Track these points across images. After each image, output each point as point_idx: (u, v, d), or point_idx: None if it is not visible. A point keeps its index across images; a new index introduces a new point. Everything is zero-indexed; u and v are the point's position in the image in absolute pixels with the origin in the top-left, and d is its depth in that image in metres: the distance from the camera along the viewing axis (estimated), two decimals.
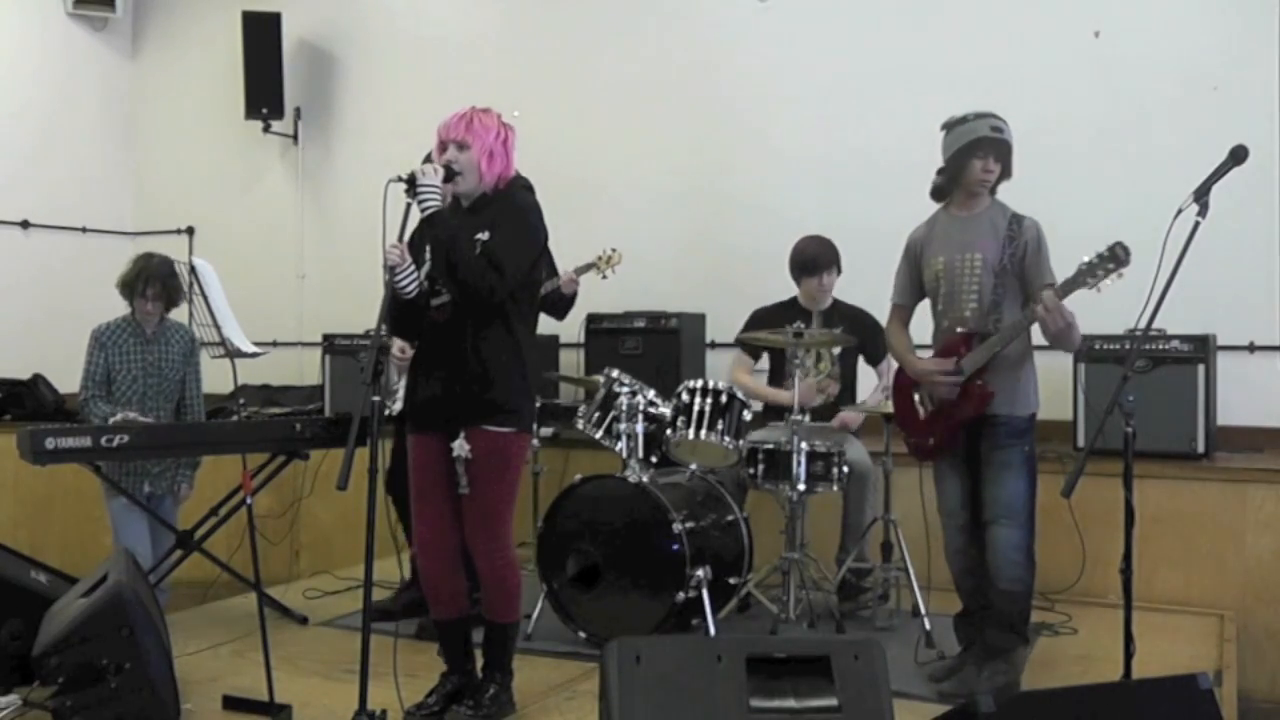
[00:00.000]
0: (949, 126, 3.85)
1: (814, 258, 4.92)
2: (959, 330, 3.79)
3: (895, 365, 4.13)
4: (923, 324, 4.03)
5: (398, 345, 4.47)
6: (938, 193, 3.94)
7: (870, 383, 5.14)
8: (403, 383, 4.22)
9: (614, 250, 5.25)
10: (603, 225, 6.38)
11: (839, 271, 4.99)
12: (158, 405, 4.87)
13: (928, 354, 3.95)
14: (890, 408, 4.51)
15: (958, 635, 3.98)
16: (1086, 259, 3.43)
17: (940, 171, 3.91)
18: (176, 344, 4.93)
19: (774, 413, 5.01)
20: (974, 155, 3.76)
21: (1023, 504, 3.70)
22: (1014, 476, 3.71)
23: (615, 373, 4.59)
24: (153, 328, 4.88)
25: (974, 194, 3.83)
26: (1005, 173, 3.83)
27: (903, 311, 4.04)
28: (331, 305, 7.15)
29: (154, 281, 4.76)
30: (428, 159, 3.53)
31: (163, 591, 4.86)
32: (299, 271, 7.57)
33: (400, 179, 3.37)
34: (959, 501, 3.88)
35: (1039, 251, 3.75)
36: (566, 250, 5.02)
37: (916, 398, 3.95)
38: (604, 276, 5.24)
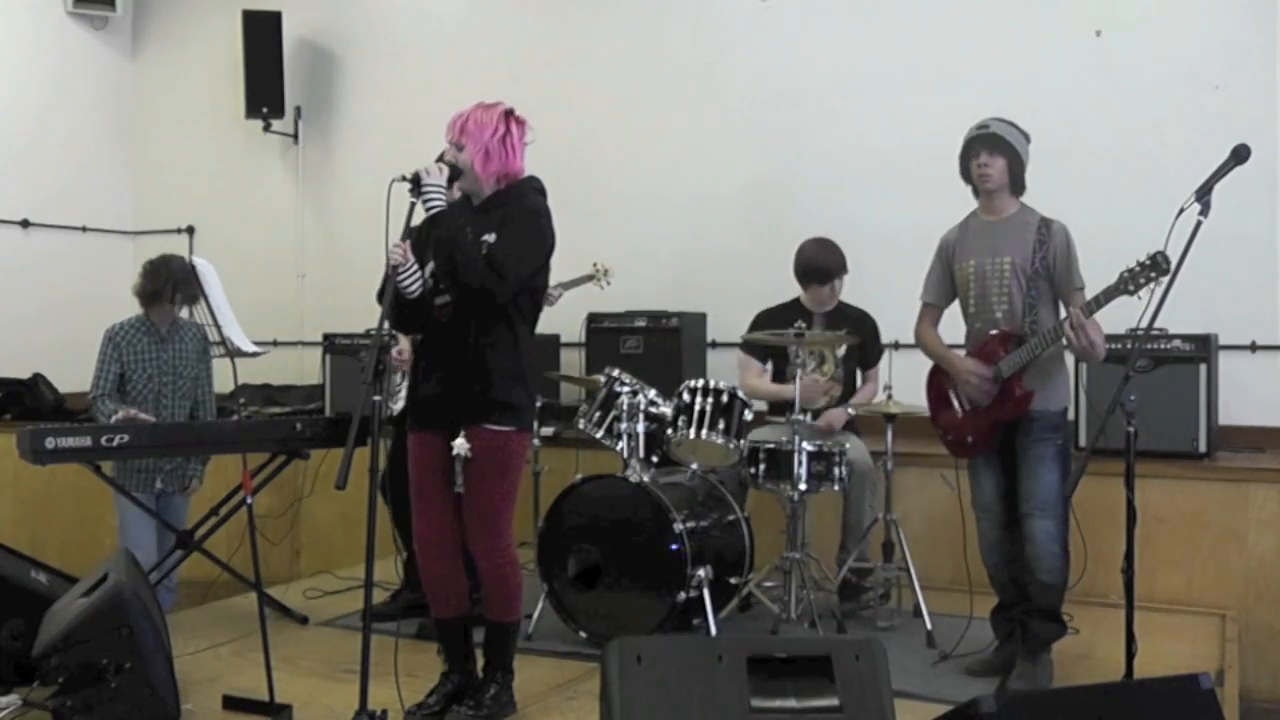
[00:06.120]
0: None
1: (825, 267, 4.91)
2: (996, 330, 3.84)
3: (929, 363, 4.10)
4: (949, 324, 4.07)
5: (398, 347, 4.46)
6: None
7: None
8: (405, 384, 4.22)
9: (601, 264, 5.25)
10: (604, 224, 6.37)
11: (846, 273, 4.99)
12: (173, 405, 4.87)
13: (959, 353, 3.98)
14: (891, 408, 4.52)
15: (995, 629, 4.04)
16: (1128, 267, 3.45)
17: None
18: (190, 343, 4.93)
19: (775, 410, 4.99)
20: (969, 159, 3.88)
21: (1056, 496, 3.76)
22: (1047, 470, 3.77)
23: (616, 372, 4.58)
24: (167, 327, 4.88)
25: (990, 195, 3.89)
26: (1014, 165, 3.85)
27: (934, 311, 4.09)
28: (332, 305, 7.14)
29: (182, 286, 4.77)
30: (441, 158, 3.51)
31: (169, 591, 4.87)
32: (299, 271, 7.56)
33: (405, 178, 3.36)
34: (995, 496, 3.94)
35: (1068, 256, 3.81)
36: (567, 250, 4.98)
37: (953, 395, 3.98)
38: (602, 287, 5.25)
